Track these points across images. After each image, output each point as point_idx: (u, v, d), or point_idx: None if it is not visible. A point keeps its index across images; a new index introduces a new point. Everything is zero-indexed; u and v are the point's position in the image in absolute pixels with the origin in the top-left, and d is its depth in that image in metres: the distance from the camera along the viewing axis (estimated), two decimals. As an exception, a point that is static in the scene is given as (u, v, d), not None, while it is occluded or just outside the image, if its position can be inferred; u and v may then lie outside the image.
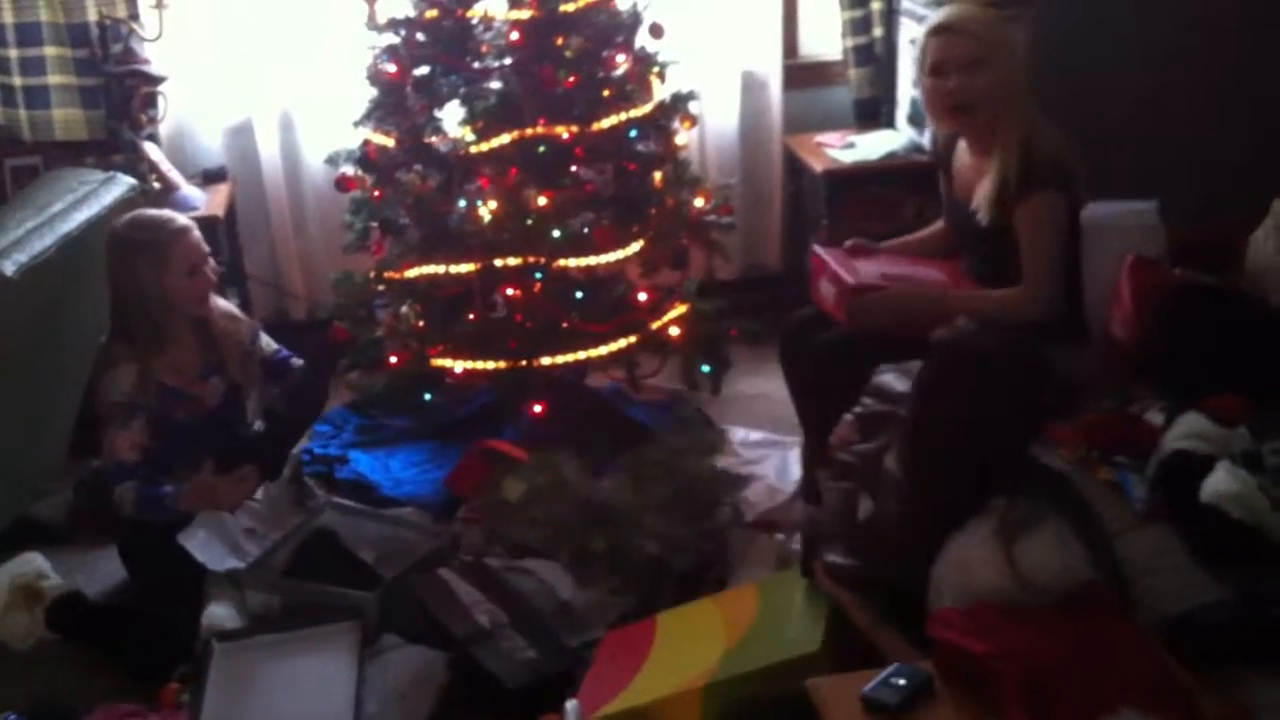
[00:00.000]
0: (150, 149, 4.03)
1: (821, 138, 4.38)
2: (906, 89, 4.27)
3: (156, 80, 4.03)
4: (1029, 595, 2.14)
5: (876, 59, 4.41)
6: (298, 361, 3.49)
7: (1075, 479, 2.57)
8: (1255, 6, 4.00)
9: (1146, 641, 2.08)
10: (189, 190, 4.03)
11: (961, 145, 3.18)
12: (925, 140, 4.14)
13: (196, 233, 3.22)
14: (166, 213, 3.28)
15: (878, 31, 4.39)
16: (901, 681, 2.01)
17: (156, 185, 3.92)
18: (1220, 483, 2.39)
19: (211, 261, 3.25)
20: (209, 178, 4.22)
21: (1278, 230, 3.21)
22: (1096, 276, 3.15)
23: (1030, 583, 2.15)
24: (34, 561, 3.18)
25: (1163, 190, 3.41)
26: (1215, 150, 3.97)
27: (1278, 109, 4.02)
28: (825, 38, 4.56)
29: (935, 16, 3.12)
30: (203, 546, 3.01)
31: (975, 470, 2.31)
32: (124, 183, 3.42)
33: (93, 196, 3.30)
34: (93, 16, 4.01)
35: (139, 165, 3.91)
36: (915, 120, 4.22)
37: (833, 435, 2.64)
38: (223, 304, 3.42)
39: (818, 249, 3.27)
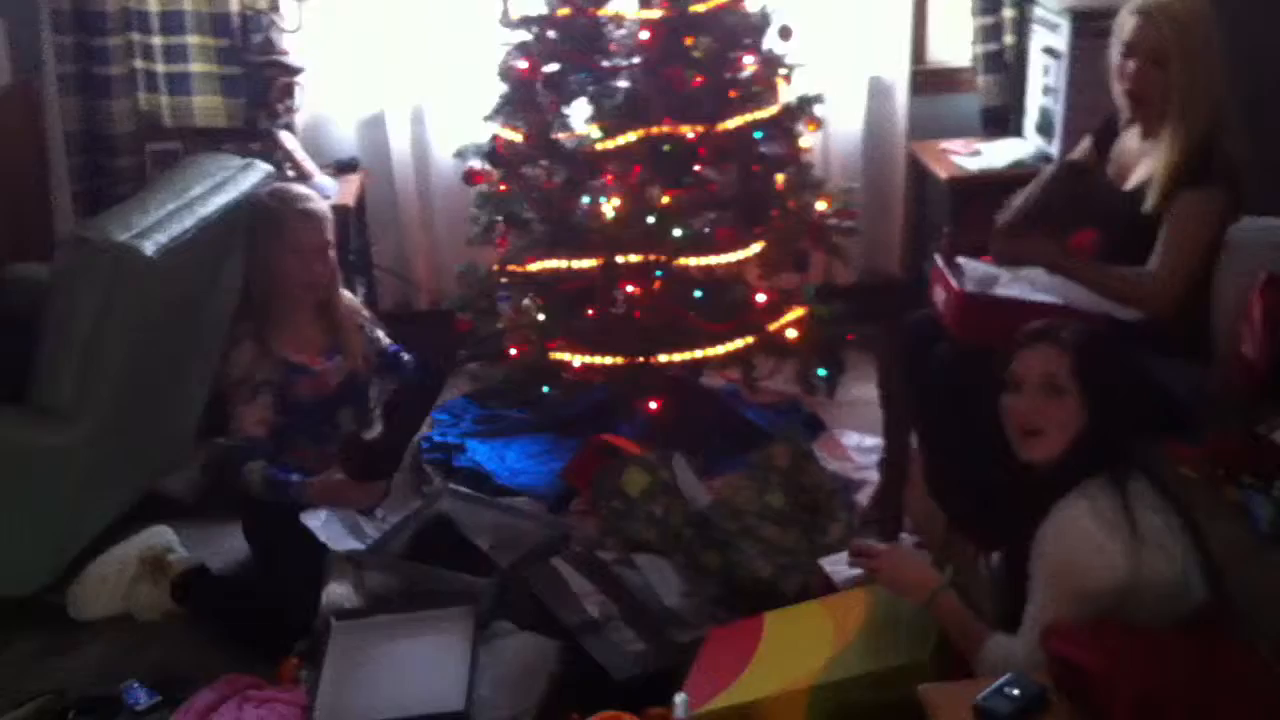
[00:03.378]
0: (286, 138, 4.13)
1: (947, 144, 4.35)
2: (1036, 97, 4.22)
3: (294, 71, 4.12)
4: (1132, 575, 2.11)
5: (1007, 66, 4.37)
6: (408, 356, 3.53)
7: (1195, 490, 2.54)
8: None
9: (1267, 668, 2.05)
10: (322, 179, 4.11)
11: (1129, 130, 3.09)
12: (1054, 149, 4.09)
13: (328, 219, 3.28)
14: (307, 190, 3.37)
15: (1009, 39, 4.35)
16: (1015, 692, 2.00)
17: (291, 173, 4.00)
18: (1351, 507, 2.35)
19: (331, 252, 3.30)
20: (341, 168, 4.31)
21: None
22: (1228, 294, 3.09)
23: (1141, 541, 2.12)
24: (164, 534, 3.27)
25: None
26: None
27: None
28: (955, 44, 4.53)
29: None
30: (324, 526, 3.08)
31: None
32: (261, 169, 3.50)
33: (230, 182, 3.38)
34: (235, 7, 4.11)
35: (275, 153, 4.00)
36: (1044, 129, 4.17)
37: None
38: (345, 292, 3.49)
39: (938, 258, 3.25)
